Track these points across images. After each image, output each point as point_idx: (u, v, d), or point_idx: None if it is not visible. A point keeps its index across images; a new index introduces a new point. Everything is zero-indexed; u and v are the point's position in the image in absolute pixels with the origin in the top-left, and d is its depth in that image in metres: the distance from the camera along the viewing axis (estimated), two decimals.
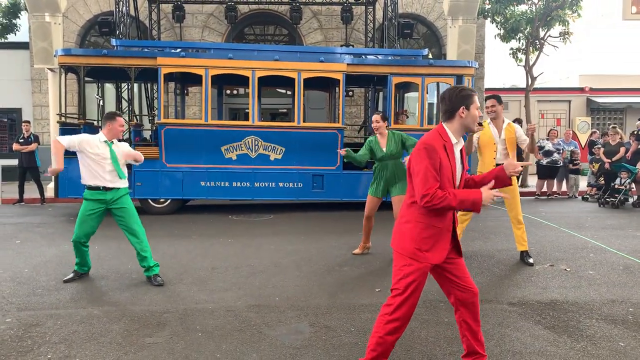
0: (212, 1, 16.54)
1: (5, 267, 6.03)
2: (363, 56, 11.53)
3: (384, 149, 6.47)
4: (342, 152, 6.65)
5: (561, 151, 13.08)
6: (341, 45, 16.38)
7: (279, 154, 10.28)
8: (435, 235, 3.00)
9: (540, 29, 15.15)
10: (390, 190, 6.52)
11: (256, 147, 10.26)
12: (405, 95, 12.75)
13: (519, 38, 15.49)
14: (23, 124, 12.68)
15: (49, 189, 11.99)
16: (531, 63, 15.46)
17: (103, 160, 5.38)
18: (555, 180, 13.40)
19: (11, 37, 16.18)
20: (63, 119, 10.32)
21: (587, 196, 12.68)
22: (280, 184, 10.36)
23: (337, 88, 11.12)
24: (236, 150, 10.25)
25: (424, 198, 2.87)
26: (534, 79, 15.53)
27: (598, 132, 15.43)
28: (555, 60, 39.03)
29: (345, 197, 10.57)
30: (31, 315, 4.47)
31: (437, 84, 11.06)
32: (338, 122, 10.71)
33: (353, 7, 16.27)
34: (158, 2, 16.34)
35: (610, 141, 12.37)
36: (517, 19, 14.87)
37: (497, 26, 15.39)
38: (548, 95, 20.21)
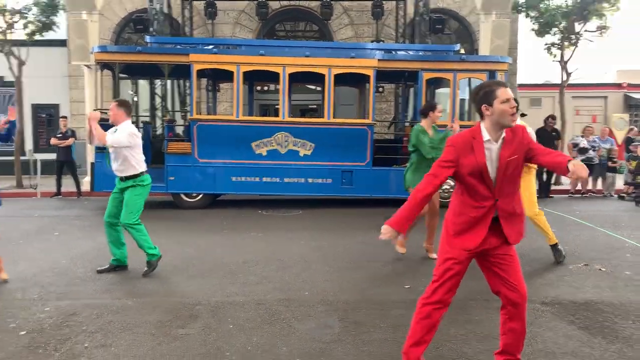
0: None
1: (45, 258, 6.22)
2: (394, 52, 11.46)
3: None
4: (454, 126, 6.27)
5: (597, 148, 12.77)
6: (372, 41, 16.30)
7: (309, 150, 10.32)
8: (466, 223, 3.05)
9: (576, 23, 14.78)
10: None
11: (286, 142, 10.31)
12: (436, 91, 12.63)
13: (554, 33, 15.15)
14: (60, 119, 13.04)
15: (85, 183, 12.31)
16: (566, 58, 15.10)
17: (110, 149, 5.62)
18: (590, 178, 13.09)
19: (50, 35, 16.60)
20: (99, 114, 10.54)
21: (624, 195, 12.35)
22: (310, 180, 10.40)
23: (367, 84, 11.09)
24: (266, 146, 10.33)
25: None
26: (569, 74, 15.17)
27: (636, 128, 14.99)
28: (591, 55, 38.02)
29: (374, 194, 10.55)
30: (69, 304, 4.62)
31: (469, 79, 10.92)
32: (368, 118, 10.68)
33: (384, 2, 16.15)
34: None
35: None
36: (552, 13, 14.54)
37: (531, 21, 15.07)
38: (584, 92, 19.71)
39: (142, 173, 5.63)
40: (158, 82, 13.66)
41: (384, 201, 10.80)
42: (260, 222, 8.94)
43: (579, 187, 13.09)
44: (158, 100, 13.55)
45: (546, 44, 15.49)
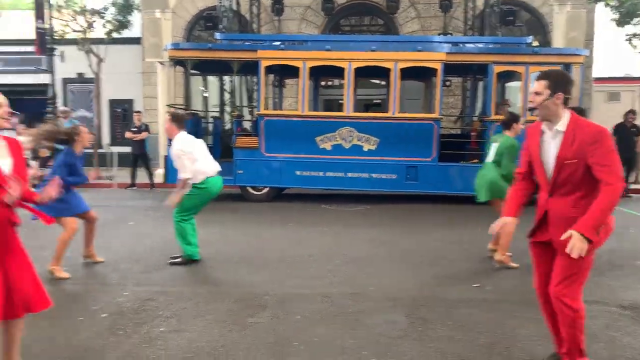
0: None
1: (122, 246, 6.57)
2: (462, 44, 11.20)
3: None
4: None
5: None
6: (439, 34, 15.99)
7: (373, 145, 10.28)
8: (536, 213, 3.15)
9: None
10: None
11: (350, 137, 10.33)
12: (507, 85, 12.24)
13: (636, 23, 14.27)
14: (135, 114, 13.65)
15: (158, 175, 12.83)
16: None
17: None
18: None
19: (125, 33, 17.39)
20: (172, 109, 10.96)
21: None
22: (374, 175, 10.37)
23: (434, 78, 10.90)
24: (330, 141, 10.39)
25: None
26: None
27: None
28: None
29: (440, 190, 10.38)
30: (145, 290, 4.86)
31: None
32: (435, 113, 10.51)
33: None
34: None
35: None
36: (634, 2, 13.71)
37: (611, 10, 14.28)
38: None
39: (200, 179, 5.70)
40: (227, 79, 14.02)
41: (448, 198, 10.62)
42: (325, 216, 9.02)
43: None
44: (227, 96, 13.90)
45: (627, 35, 14.63)
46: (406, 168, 10.26)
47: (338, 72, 10.71)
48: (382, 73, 11.03)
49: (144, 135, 12.78)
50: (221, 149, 11.44)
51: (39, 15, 14.77)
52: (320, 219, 8.72)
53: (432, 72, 10.70)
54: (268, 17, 17.47)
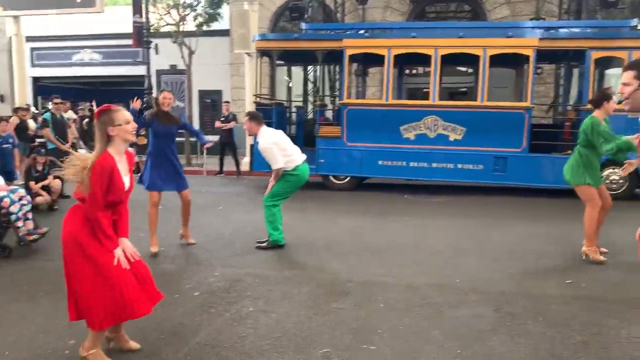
0: None
1: (212, 230, 6.86)
2: (556, 30, 10.60)
3: None
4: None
5: None
6: (531, 19, 15.22)
7: (459, 135, 10.02)
8: None
9: None
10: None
11: (435, 127, 10.12)
12: (605, 72, 11.47)
13: None
14: (223, 104, 14.16)
15: (244, 163, 13.27)
16: None
17: None
18: None
19: (214, 26, 18.01)
20: (258, 99, 11.27)
21: None
22: (459, 166, 10.11)
23: (525, 65, 10.42)
24: (415, 130, 10.23)
25: None
26: None
27: None
28: None
29: (530, 182, 9.94)
30: (234, 272, 5.06)
31: None
32: (526, 102, 10.05)
33: None
34: None
35: None
36: None
37: None
38: None
39: (291, 166, 5.87)
40: (310, 68, 14.18)
41: (538, 190, 10.16)
42: (407, 206, 8.92)
43: None
44: (310, 85, 14.07)
45: None
46: (494, 159, 9.91)
47: (423, 59, 10.51)
48: (470, 60, 10.70)
49: (231, 124, 13.22)
50: (304, 138, 11.61)
51: (137, 10, 15.63)
52: (403, 209, 8.64)
53: (523, 59, 10.24)
54: (352, 6, 17.41)
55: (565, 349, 3.42)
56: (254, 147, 11.00)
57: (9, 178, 7.93)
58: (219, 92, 19.10)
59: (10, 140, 8.50)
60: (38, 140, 10.44)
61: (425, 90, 14.46)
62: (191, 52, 15.16)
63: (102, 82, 21.91)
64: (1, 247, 5.55)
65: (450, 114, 10.09)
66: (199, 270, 5.12)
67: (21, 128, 10.13)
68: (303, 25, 11.90)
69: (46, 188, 8.05)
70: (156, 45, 16.48)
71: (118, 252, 3.09)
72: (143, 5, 15.45)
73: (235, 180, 12.55)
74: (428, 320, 3.91)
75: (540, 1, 15.81)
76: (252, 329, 3.71)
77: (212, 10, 15.64)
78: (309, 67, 14.20)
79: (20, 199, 5.74)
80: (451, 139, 10.04)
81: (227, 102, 14.19)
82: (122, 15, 17.57)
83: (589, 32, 10.12)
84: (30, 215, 5.87)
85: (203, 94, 19.33)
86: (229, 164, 13.27)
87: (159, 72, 19.26)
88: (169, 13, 15.17)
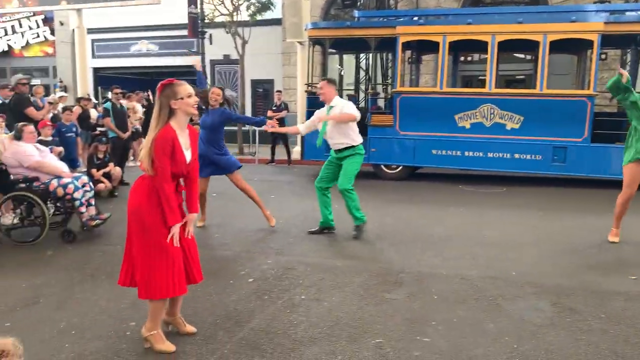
0: None
1: (265, 218, 6.93)
2: (622, 12, 10.05)
3: None
4: None
5: None
6: (594, 2, 14.51)
7: (517, 123, 9.70)
8: None
9: None
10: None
11: (492, 115, 9.84)
12: None
13: None
14: (275, 93, 14.26)
15: (295, 152, 13.36)
16: None
17: (320, 124, 5.95)
18: None
19: (267, 15, 18.12)
20: (310, 88, 11.28)
21: None
22: (516, 156, 9.80)
23: (589, 50, 9.96)
24: (470, 119, 9.99)
25: None
26: None
27: None
28: None
29: (591, 173, 9.53)
30: (287, 260, 5.11)
31: None
32: (588, 89, 9.61)
33: None
34: None
35: None
36: None
37: None
38: None
39: (360, 144, 5.93)
40: (362, 56, 14.06)
41: (600, 182, 9.73)
42: (462, 197, 8.74)
43: None
44: (362, 73, 13.96)
45: None
46: (553, 149, 9.55)
47: (479, 46, 10.23)
48: (528, 46, 10.33)
49: (283, 113, 13.29)
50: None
51: (192, 1, 15.94)
52: (457, 199, 8.47)
53: (586, 44, 9.80)
54: None
55: (629, 348, 3.27)
56: (305, 136, 11.06)
57: (73, 165, 8.31)
58: (271, 82, 19.26)
59: (74, 129, 8.87)
60: (99, 129, 10.86)
61: (481, 77, 14.09)
62: (244, 42, 15.32)
63: (158, 72, 22.51)
64: (66, 232, 5.81)
65: (508, 102, 9.79)
66: (252, 257, 5.20)
67: (83, 117, 10.56)
68: (356, 13, 11.80)
69: (107, 175, 8.37)
70: (210, 35, 16.77)
71: (174, 229, 3.13)
72: None
73: (286, 169, 12.65)
74: (483, 313, 3.82)
75: None
76: (305, 316, 3.74)
77: (265, 0, 15.74)
78: (361, 55, 14.07)
79: (83, 186, 6.00)
80: (508, 128, 9.74)
81: (279, 91, 14.29)
82: (178, 7, 17.93)
83: None
84: (92, 202, 6.13)
85: (255, 83, 19.54)
86: (281, 153, 13.39)
87: (213, 62, 19.61)
88: (222, 3, 15.37)
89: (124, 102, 10.41)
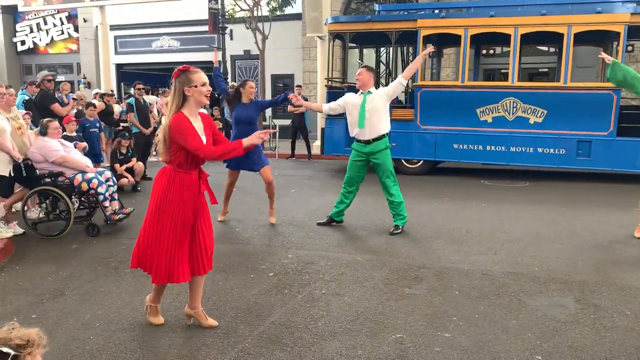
0: None
1: (285, 212, 6.97)
2: None
3: None
4: None
5: None
6: None
7: (540, 117, 9.55)
8: None
9: None
10: None
11: (514, 109, 9.71)
12: None
13: None
14: (295, 88, 14.27)
15: (315, 147, 13.36)
16: None
17: (354, 110, 5.82)
18: None
19: (287, 10, 18.14)
20: (330, 83, 11.26)
21: None
22: (539, 150, 9.66)
23: (615, 42, 9.74)
24: (492, 113, 9.87)
25: None
26: None
27: None
28: None
29: (617, 167, 9.34)
30: (307, 254, 5.12)
31: None
32: None
33: None
34: None
35: None
36: None
37: None
38: None
39: (387, 133, 5.93)
40: (383, 50, 13.97)
41: (626, 177, 9.54)
42: (483, 191, 8.65)
43: None
44: (382, 67, 13.89)
45: None
46: (577, 143, 9.39)
47: (502, 39, 10.08)
48: (552, 39, 10.16)
49: (303, 109, 13.28)
50: None
51: None
52: (479, 194, 8.39)
53: (612, 36, 9.59)
54: None
55: None
56: (325, 131, 11.06)
57: (96, 160, 8.43)
58: (291, 76, 19.29)
59: (97, 125, 9.00)
60: (122, 124, 11.00)
61: (503, 71, 13.91)
62: (264, 37, 15.36)
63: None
64: (90, 226, 5.92)
65: (531, 95, 9.64)
66: (273, 251, 5.22)
67: (106, 113, 10.71)
68: (376, 7, 11.73)
69: (130, 170, 8.48)
70: (231, 31, 16.85)
71: (251, 140, 3.24)
72: None
73: (306, 163, 12.67)
74: (505, 309, 3.79)
75: None
76: (325, 311, 3.75)
77: None
78: (382, 49, 13.99)
79: (107, 181, 6.09)
80: (531, 121, 9.60)
81: (299, 85, 14.30)
82: (199, 2, 18.05)
83: None
84: (116, 196, 6.22)
85: (275, 78, 19.59)
86: (301, 148, 13.41)
87: (234, 58, 19.70)
88: None
89: (146, 97, 10.52)
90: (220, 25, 15.92)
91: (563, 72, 9.44)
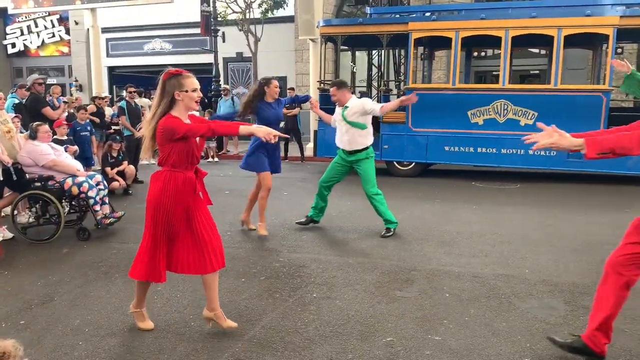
0: None
1: (277, 215, 6.97)
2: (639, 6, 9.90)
3: None
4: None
5: None
6: None
7: (530, 119, 9.60)
8: None
9: None
10: None
11: (505, 111, 9.76)
12: None
13: None
14: (288, 90, 14.27)
15: (308, 149, 13.35)
16: None
17: (340, 123, 5.92)
18: None
19: (279, 12, 18.14)
20: (322, 85, 11.27)
21: None
22: (530, 151, 9.68)
23: (604, 45, 9.82)
24: (483, 115, 9.91)
25: None
26: None
27: None
28: None
29: (608, 169, 9.41)
30: (299, 257, 5.12)
31: None
32: (604, 84, 9.48)
33: None
34: None
35: None
36: None
37: None
38: None
39: (371, 145, 5.98)
40: (374, 53, 14.01)
41: (615, 178, 9.61)
42: (474, 194, 8.69)
43: None
44: (374, 70, 13.93)
45: None
46: None
47: (493, 41, 10.13)
48: (542, 41, 10.21)
49: (296, 110, 13.31)
50: None
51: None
52: (470, 196, 8.42)
53: (601, 38, 9.68)
54: None
55: None
56: (318, 133, 11.07)
57: (87, 164, 8.40)
58: (283, 79, 19.27)
59: (88, 128, 8.96)
60: (114, 127, 10.96)
61: (494, 73, 13.98)
62: (257, 40, 15.36)
63: None
64: (81, 230, 5.88)
65: (521, 97, 9.69)
66: (264, 255, 5.22)
67: (98, 116, 10.66)
68: (368, 10, 11.76)
69: (121, 173, 8.44)
70: (223, 33, 16.83)
71: (259, 131, 3.20)
72: None
73: (299, 165, 12.66)
74: (495, 311, 3.80)
75: None
76: (316, 315, 3.75)
77: None
78: (374, 52, 14.03)
79: (97, 184, 6.06)
80: (522, 123, 9.64)
81: (292, 88, 14.30)
82: (191, 5, 18.03)
83: None
84: (106, 200, 6.20)
85: None
86: (293, 150, 13.40)
87: (226, 60, 19.69)
88: (235, 1, 15.42)
89: (138, 100, 10.49)
90: (212, 28, 15.91)
91: (553, 74, 9.51)
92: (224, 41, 17.22)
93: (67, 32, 22.03)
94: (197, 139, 3.23)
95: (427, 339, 3.37)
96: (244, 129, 3.21)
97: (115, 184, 8.18)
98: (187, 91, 3.13)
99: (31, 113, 7.98)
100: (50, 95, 9.76)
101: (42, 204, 5.90)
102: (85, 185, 5.88)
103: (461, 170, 11.01)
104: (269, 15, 16.88)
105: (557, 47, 9.32)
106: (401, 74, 14.12)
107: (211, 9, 15.97)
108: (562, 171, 10.05)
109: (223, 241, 3.58)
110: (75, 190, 5.85)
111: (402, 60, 13.94)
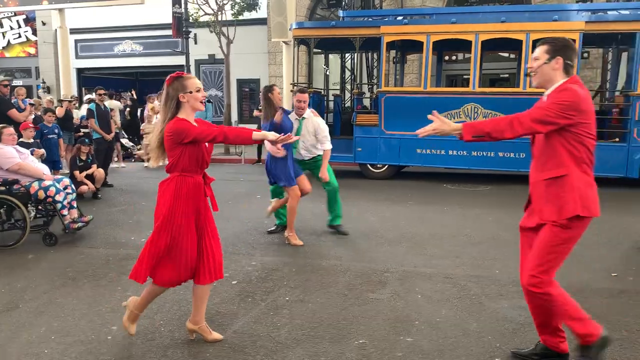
0: None
1: (250, 218, 6.92)
2: (604, 12, 10.17)
3: None
4: None
5: None
6: (577, 1, 14.66)
7: None
8: None
9: None
10: None
11: (475, 114, 9.89)
12: None
13: None
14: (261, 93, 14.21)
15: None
16: None
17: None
18: None
19: (252, 14, 18.05)
20: (295, 88, 11.25)
21: None
22: (500, 154, 9.87)
23: None
24: (454, 118, 10.01)
25: None
26: None
27: None
28: None
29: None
30: (271, 261, 5.09)
31: None
32: None
33: None
34: None
35: None
36: None
37: None
38: None
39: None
40: (347, 56, 14.06)
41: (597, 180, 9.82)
42: (446, 196, 8.78)
43: None
44: (347, 73, 13.98)
45: None
46: None
47: (463, 45, 10.28)
48: (512, 45, 10.39)
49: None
50: (341, 127, 11.56)
51: (176, 1, 15.83)
52: (442, 198, 8.51)
53: None
54: None
55: (613, 345, 3.30)
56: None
57: (55, 167, 8.21)
58: (256, 81, 19.23)
59: (56, 131, 8.77)
60: (83, 130, 10.74)
61: (465, 77, 14.19)
62: (229, 42, 15.26)
63: (143, 72, 22.34)
64: (47, 235, 5.74)
65: (491, 101, 9.85)
66: (237, 258, 5.17)
67: (66, 118, 10.44)
68: (341, 13, 11.80)
69: (90, 177, 8.28)
70: (195, 35, 16.67)
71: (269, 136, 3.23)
72: None
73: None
74: (466, 312, 3.84)
75: None
76: (288, 318, 3.73)
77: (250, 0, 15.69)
78: (347, 55, 14.08)
79: (65, 188, 5.93)
80: None
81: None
82: (162, 6, 17.82)
83: None
84: (74, 204, 6.06)
85: (241, 82, 19.49)
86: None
87: (198, 62, 19.51)
88: (207, 3, 15.29)
89: (114, 102, 10.31)
90: (184, 30, 15.74)
91: (522, 78, 9.69)
92: (195, 43, 17.08)
93: (34, 32, 21.54)
94: (207, 143, 3.19)
95: (399, 340, 3.39)
96: (257, 135, 3.20)
97: (83, 188, 8.01)
98: (191, 92, 3.12)
99: None
100: (15, 97, 9.50)
101: (6, 209, 5.74)
102: (52, 189, 5.74)
103: (433, 173, 11.13)
104: (241, 17, 16.78)
105: (526, 51, 9.50)
106: (374, 77, 14.22)
107: (183, 10, 15.80)
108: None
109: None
110: (41, 194, 5.71)
111: (375, 64, 14.04)
